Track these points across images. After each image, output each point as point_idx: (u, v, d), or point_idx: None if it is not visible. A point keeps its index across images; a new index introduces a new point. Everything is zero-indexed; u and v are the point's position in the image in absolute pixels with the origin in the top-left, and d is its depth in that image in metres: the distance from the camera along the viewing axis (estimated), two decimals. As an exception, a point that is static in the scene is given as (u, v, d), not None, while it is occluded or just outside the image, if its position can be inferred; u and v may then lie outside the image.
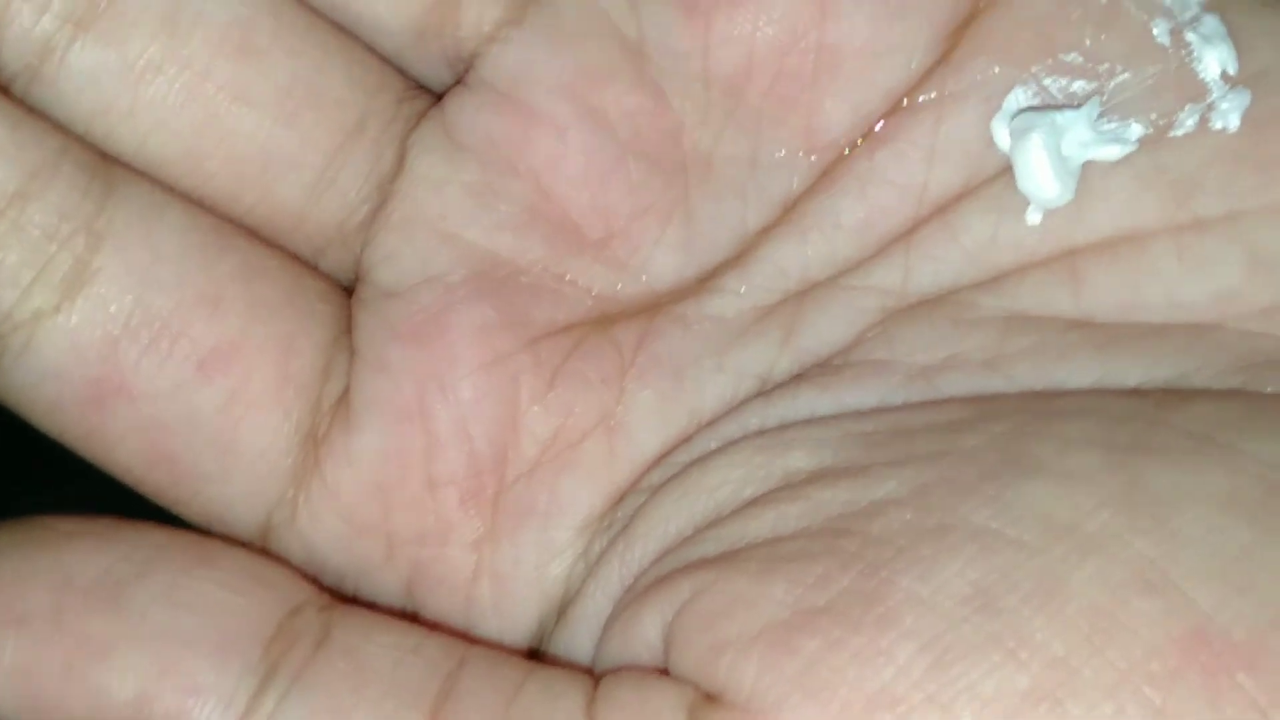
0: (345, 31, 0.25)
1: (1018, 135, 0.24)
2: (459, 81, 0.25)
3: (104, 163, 0.24)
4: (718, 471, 0.23)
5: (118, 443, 0.24)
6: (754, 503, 0.23)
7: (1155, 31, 0.24)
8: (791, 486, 0.23)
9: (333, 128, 0.25)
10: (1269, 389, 0.23)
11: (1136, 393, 0.23)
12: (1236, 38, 0.24)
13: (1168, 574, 0.20)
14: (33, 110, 0.24)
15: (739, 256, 0.25)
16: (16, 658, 0.21)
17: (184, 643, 0.21)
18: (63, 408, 0.24)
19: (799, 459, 0.23)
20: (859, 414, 0.23)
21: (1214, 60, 0.24)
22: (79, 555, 0.22)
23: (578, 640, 0.24)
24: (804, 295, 0.25)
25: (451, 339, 0.24)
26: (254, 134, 0.24)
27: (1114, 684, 0.20)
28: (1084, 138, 0.24)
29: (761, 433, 0.24)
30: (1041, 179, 0.24)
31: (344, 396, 0.25)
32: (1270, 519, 0.21)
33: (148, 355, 0.24)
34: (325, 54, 0.25)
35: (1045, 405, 0.23)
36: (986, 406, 0.23)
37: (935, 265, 0.24)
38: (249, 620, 0.21)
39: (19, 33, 0.24)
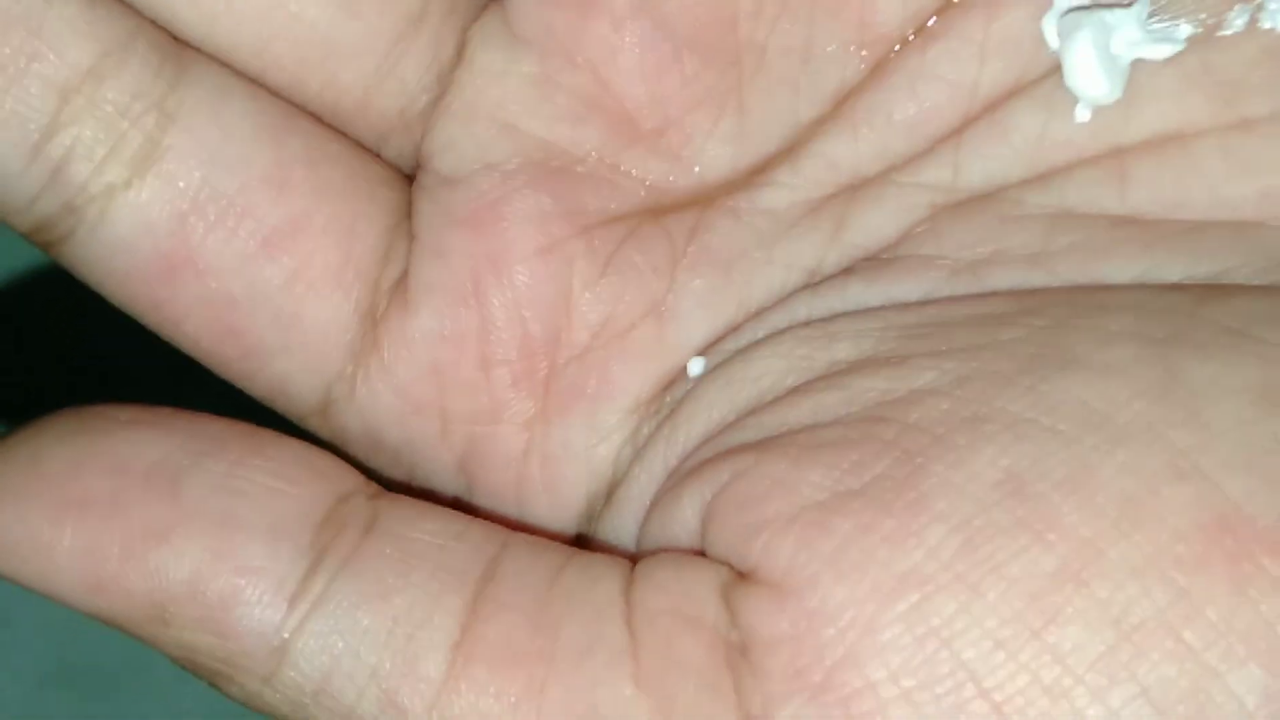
0: None
1: (1067, 33, 0.25)
2: None
3: (176, 45, 0.25)
4: (762, 361, 0.24)
5: (185, 316, 0.25)
6: (795, 391, 0.23)
7: None
8: (832, 375, 0.23)
9: (395, 16, 0.25)
10: None
11: (1177, 288, 0.23)
12: None
13: (1198, 463, 0.21)
14: None
15: (791, 149, 0.25)
16: (76, 541, 0.22)
17: (237, 527, 0.22)
18: (133, 280, 0.25)
19: (842, 349, 0.23)
20: (904, 306, 0.24)
21: None
22: (136, 442, 0.23)
23: (624, 522, 0.25)
24: (854, 190, 0.25)
25: (507, 225, 0.25)
26: (317, 21, 0.25)
27: (1140, 566, 0.20)
28: (1133, 36, 0.24)
29: (808, 323, 0.24)
30: (1089, 77, 0.24)
31: (403, 279, 0.25)
32: None
33: (214, 231, 0.25)
34: None
35: (1087, 299, 0.23)
36: (1029, 300, 0.23)
37: (984, 162, 0.25)
38: (300, 507, 0.22)
39: None
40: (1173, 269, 0.24)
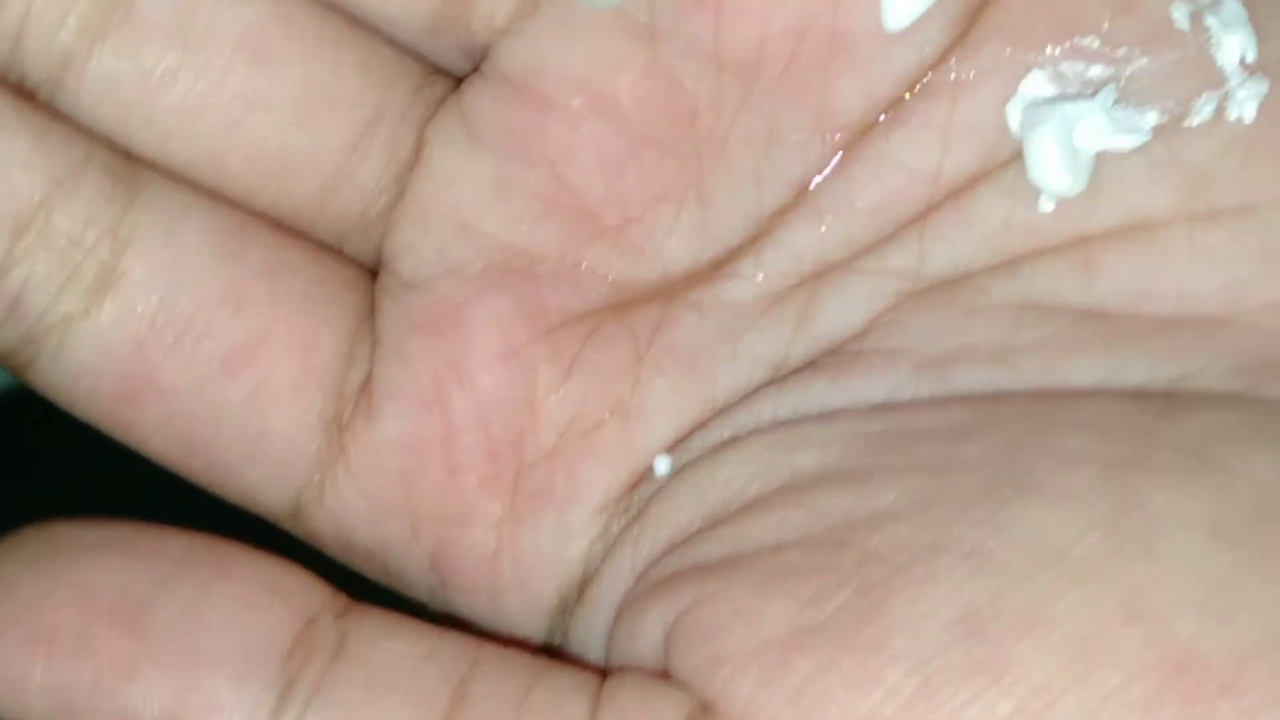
0: (360, 24, 0.25)
1: (1029, 128, 0.24)
2: (475, 70, 0.26)
3: (128, 165, 0.25)
4: (728, 466, 0.24)
5: (150, 434, 0.25)
6: (759, 503, 0.23)
7: (1175, 15, 0.24)
8: (796, 488, 0.23)
9: (349, 125, 0.25)
10: (1269, 394, 0.23)
11: (1139, 397, 0.23)
12: (1258, 22, 0.24)
13: (1150, 602, 0.21)
14: (58, 115, 0.25)
15: (754, 240, 0.25)
16: (47, 677, 0.22)
17: (205, 662, 0.22)
18: (97, 403, 0.25)
19: (806, 459, 0.23)
20: (869, 409, 0.24)
21: (1233, 46, 0.24)
22: (102, 570, 0.23)
23: (596, 619, 0.25)
24: (819, 279, 0.25)
25: (469, 330, 0.25)
26: (271, 136, 0.25)
27: (1094, 710, 0.21)
28: (1098, 127, 0.24)
29: (774, 425, 0.24)
30: (1053, 172, 0.24)
31: (367, 382, 0.25)
32: (1255, 546, 0.21)
33: (174, 353, 0.25)
34: (338, 52, 0.25)
35: (1048, 412, 0.23)
36: (991, 409, 0.23)
37: (949, 249, 0.25)
38: (267, 635, 0.23)
39: (39, 44, 0.24)
40: (1135, 371, 0.23)
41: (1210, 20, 0.24)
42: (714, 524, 0.24)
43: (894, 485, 0.23)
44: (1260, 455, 0.22)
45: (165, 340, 0.25)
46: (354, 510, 0.25)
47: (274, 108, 0.25)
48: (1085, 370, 0.24)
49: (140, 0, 0.24)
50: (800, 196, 0.25)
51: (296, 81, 0.25)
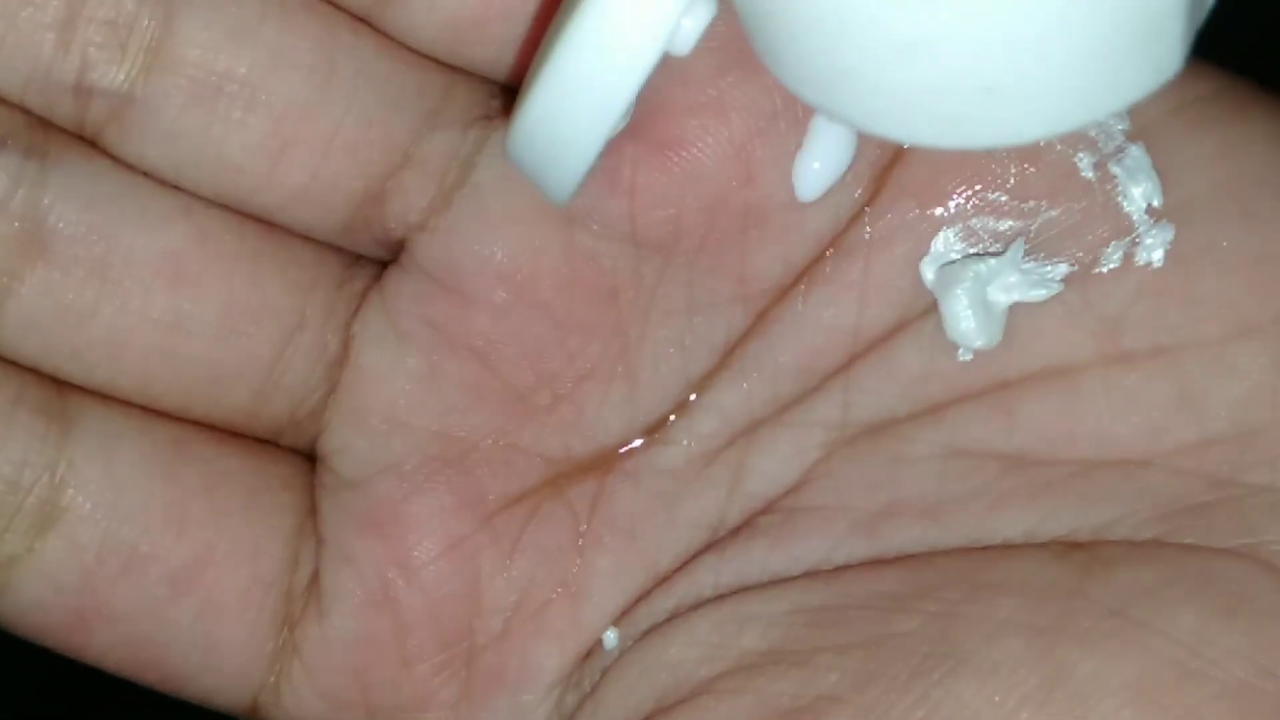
0: (277, 229, 0.26)
1: (943, 289, 0.25)
2: (396, 261, 0.26)
3: (59, 399, 0.25)
4: (676, 648, 0.25)
5: (104, 655, 0.25)
6: (709, 689, 0.24)
7: (1080, 165, 0.25)
8: (745, 670, 0.24)
9: (274, 335, 0.25)
10: (1188, 540, 0.23)
11: (1063, 553, 0.24)
12: (1161, 167, 0.24)
13: None
14: None
15: (683, 405, 0.26)
16: None
17: None
18: (49, 632, 0.25)
19: (751, 639, 0.24)
20: (808, 577, 0.24)
21: (1139, 194, 0.24)
22: None
23: None
24: (748, 437, 0.25)
25: (411, 528, 0.25)
26: (196, 357, 0.25)
27: None
28: (1010, 282, 0.25)
29: (717, 598, 0.25)
30: (967, 329, 0.25)
31: (314, 580, 0.26)
32: (1181, 709, 0.22)
33: (121, 581, 0.25)
34: (257, 265, 0.25)
35: (976, 572, 0.24)
36: (922, 574, 0.24)
37: (873, 399, 0.25)
38: None
39: None
40: (1060, 522, 0.24)
41: (1115, 169, 0.24)
42: (667, 710, 0.24)
43: (835, 666, 0.23)
44: (1181, 610, 0.23)
45: (111, 570, 0.25)
46: (310, 708, 0.26)
47: (197, 329, 0.25)
48: (1012, 524, 0.24)
49: (56, 237, 0.25)
50: (725, 359, 0.26)
51: (218, 301, 0.25)
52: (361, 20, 0.25)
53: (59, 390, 0.25)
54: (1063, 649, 0.22)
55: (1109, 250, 0.24)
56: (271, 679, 0.26)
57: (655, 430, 0.26)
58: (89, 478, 0.25)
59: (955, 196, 0.25)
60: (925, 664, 0.23)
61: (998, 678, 0.22)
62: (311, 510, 0.26)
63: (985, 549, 0.24)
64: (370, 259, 0.26)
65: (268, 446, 0.26)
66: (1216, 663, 0.22)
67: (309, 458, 0.26)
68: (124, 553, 0.25)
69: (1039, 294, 0.25)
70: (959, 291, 0.25)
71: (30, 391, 0.25)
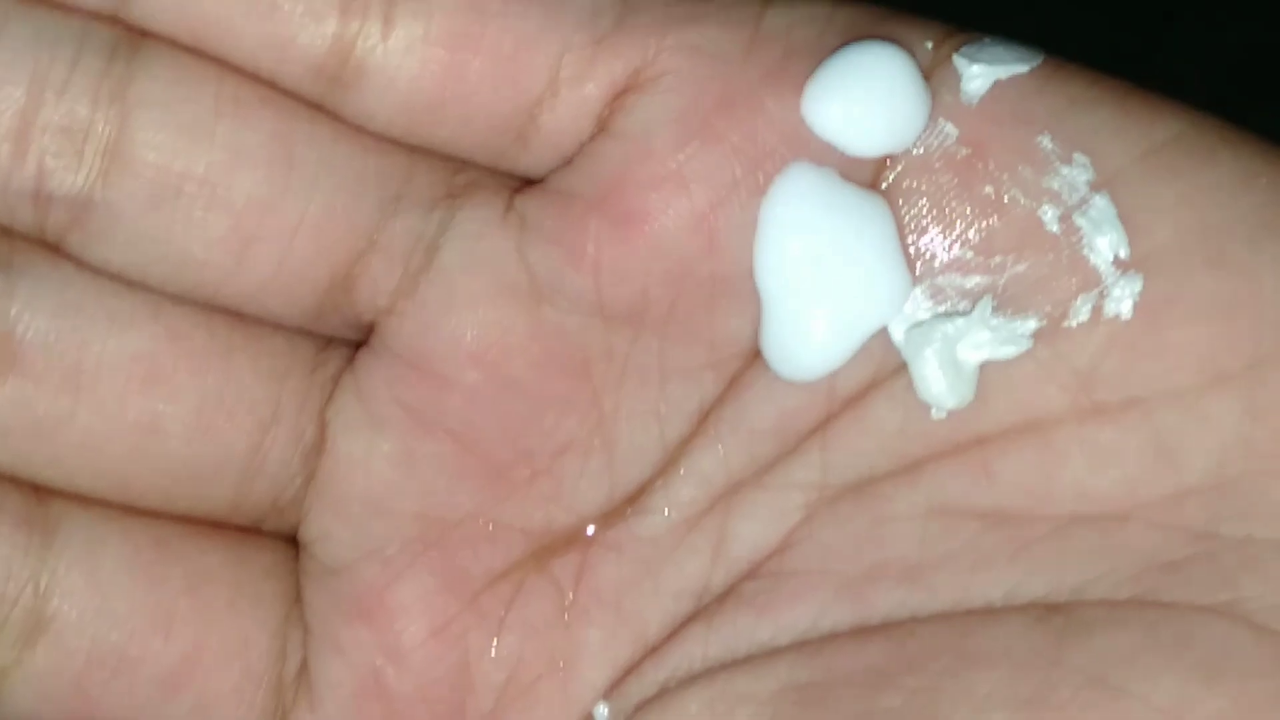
0: (248, 319, 0.26)
1: (912, 351, 0.25)
2: (366, 344, 0.26)
3: (40, 507, 0.25)
4: None
5: None
6: None
7: (1044, 218, 0.24)
8: None
9: (249, 428, 0.26)
10: (1167, 597, 0.23)
11: (1043, 616, 0.24)
12: (1127, 217, 0.24)
13: None
14: None
15: (662, 472, 0.26)
16: None
17: None
18: None
19: None
20: (796, 651, 0.25)
21: (1105, 245, 0.24)
22: None
23: None
24: (729, 501, 0.26)
25: (397, 614, 0.25)
26: (174, 455, 0.25)
27: None
28: (979, 340, 0.25)
29: (707, 673, 0.25)
30: (939, 391, 0.25)
31: (304, 670, 0.26)
32: None
33: (111, 686, 0.25)
34: (229, 359, 0.25)
35: (959, 644, 0.24)
36: (906, 643, 0.24)
37: (851, 458, 0.25)
38: None
39: None
40: (1040, 581, 0.24)
41: (1080, 220, 0.24)
42: None
43: None
44: (1162, 675, 0.23)
45: (101, 676, 0.25)
46: None
47: (174, 428, 0.25)
48: (993, 585, 0.24)
49: (27, 347, 0.25)
50: (701, 424, 0.26)
51: (193, 397, 0.25)
52: (318, 108, 0.25)
53: (39, 497, 0.25)
54: None
55: (1078, 303, 0.24)
56: None
57: (636, 499, 0.26)
58: (74, 586, 0.25)
59: (919, 257, 0.25)
60: None
61: None
62: (297, 598, 0.26)
63: (967, 614, 0.24)
64: (342, 340, 0.26)
65: (250, 536, 0.26)
66: None
67: (293, 542, 0.27)
68: (113, 657, 0.25)
69: (1009, 351, 0.24)
70: (928, 353, 0.25)
71: (10, 501, 0.25)
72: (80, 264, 0.25)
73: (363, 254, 0.25)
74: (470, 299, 0.25)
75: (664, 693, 0.25)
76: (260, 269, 0.25)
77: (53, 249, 0.25)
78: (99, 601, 0.25)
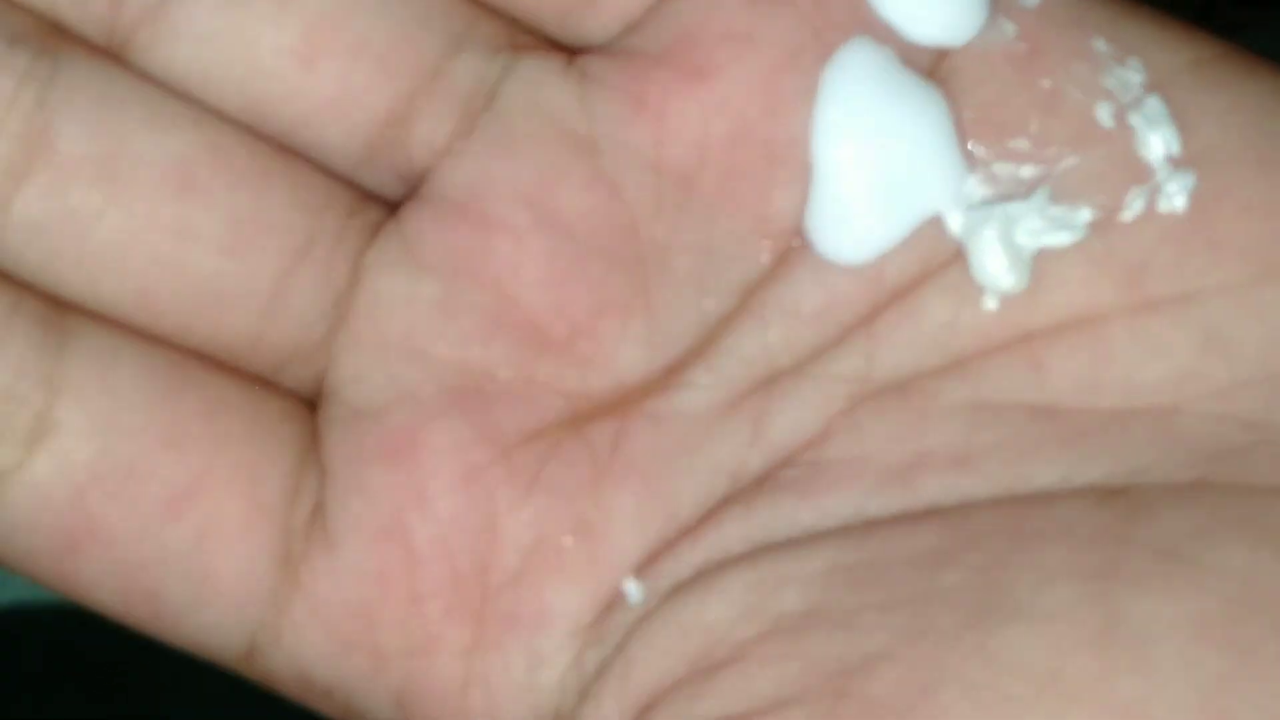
0: (290, 152, 0.25)
1: (971, 230, 0.25)
2: (413, 195, 0.25)
3: (57, 312, 0.24)
4: (710, 608, 0.24)
5: (95, 584, 0.24)
6: (750, 652, 0.23)
7: (1099, 115, 0.25)
8: (786, 633, 0.23)
9: (279, 254, 0.25)
10: (1225, 479, 0.23)
11: (1103, 499, 0.23)
12: (1179, 118, 0.25)
13: (1150, 712, 0.21)
14: None
15: (703, 347, 0.25)
16: None
17: None
18: (37, 555, 0.24)
19: (790, 599, 0.23)
20: (842, 535, 0.24)
21: (1158, 142, 0.25)
22: None
23: None
24: (770, 385, 0.25)
25: (426, 457, 0.24)
26: (200, 269, 0.25)
27: None
28: (1035, 226, 0.25)
29: (748, 555, 0.24)
30: (997, 271, 0.25)
31: (317, 515, 0.25)
32: (1240, 643, 0.22)
33: (115, 501, 0.24)
34: (267, 181, 0.25)
35: (1016, 522, 0.23)
36: (960, 527, 0.24)
37: (898, 351, 0.25)
38: None
39: None
40: (1095, 468, 0.24)
41: (1133, 118, 0.25)
42: (705, 673, 0.23)
43: (880, 625, 0.23)
44: (1231, 546, 0.22)
45: (105, 488, 0.24)
46: (313, 647, 0.25)
47: (202, 240, 0.24)
48: (1045, 471, 0.24)
49: (63, 138, 0.24)
50: (745, 303, 0.25)
51: (224, 213, 0.24)
52: None
53: (58, 307, 0.24)
54: (1116, 592, 0.22)
55: (1130, 197, 0.25)
56: (272, 615, 0.24)
57: (676, 372, 0.25)
58: (85, 393, 0.24)
59: (977, 142, 0.25)
60: (976, 615, 0.22)
61: (1053, 625, 0.22)
62: (313, 446, 0.25)
63: (1023, 498, 0.24)
64: (382, 199, 0.26)
65: (268, 383, 0.25)
66: (1275, 595, 0.22)
67: (308, 403, 0.26)
68: (119, 471, 0.24)
69: (1064, 238, 0.25)
70: (987, 233, 0.25)
71: (29, 302, 0.24)
72: (145, 69, 0.24)
73: (424, 88, 0.25)
74: (528, 140, 0.25)
75: (702, 574, 0.24)
76: (324, 86, 0.24)
77: (118, 52, 0.24)
78: (109, 411, 0.24)
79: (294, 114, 0.25)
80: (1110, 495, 0.23)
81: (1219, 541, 0.22)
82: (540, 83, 0.25)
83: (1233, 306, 0.24)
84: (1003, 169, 0.25)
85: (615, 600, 0.25)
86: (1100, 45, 0.25)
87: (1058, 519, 0.23)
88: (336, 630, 0.24)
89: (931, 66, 0.25)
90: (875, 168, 0.25)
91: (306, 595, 0.24)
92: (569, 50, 0.26)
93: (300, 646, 0.25)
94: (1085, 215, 0.25)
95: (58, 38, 0.24)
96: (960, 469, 0.24)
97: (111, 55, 0.25)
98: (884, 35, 0.25)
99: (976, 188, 0.25)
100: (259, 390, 0.25)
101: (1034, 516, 0.23)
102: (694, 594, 0.24)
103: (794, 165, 0.25)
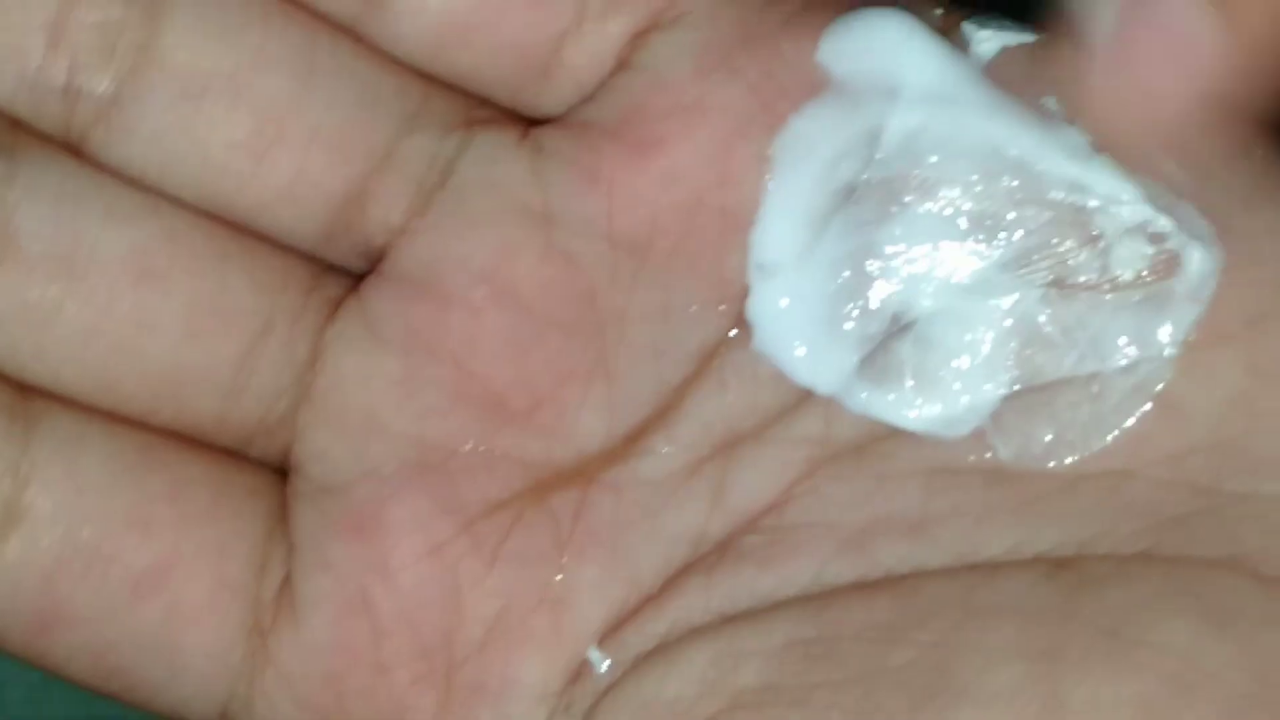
0: (248, 233, 0.25)
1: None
2: (374, 271, 0.26)
3: (22, 399, 0.25)
4: (673, 683, 0.24)
5: (67, 662, 0.25)
6: None
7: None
8: (745, 709, 0.23)
9: (240, 336, 0.25)
10: (1171, 551, 0.24)
11: (1052, 571, 0.24)
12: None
13: None
14: None
15: (663, 412, 0.26)
16: None
17: None
18: (9, 635, 0.25)
19: (748, 676, 0.24)
20: (800, 605, 0.24)
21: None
22: None
23: None
24: (730, 449, 0.25)
25: (389, 531, 0.25)
26: (161, 355, 0.25)
27: None
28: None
29: (709, 626, 0.24)
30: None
31: (286, 588, 0.25)
32: None
33: (82, 584, 0.24)
34: (225, 265, 0.25)
35: (967, 595, 0.24)
36: (912, 601, 0.24)
37: (856, 414, 0.25)
38: None
39: None
40: (1043, 539, 0.24)
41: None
42: None
43: (833, 703, 0.23)
44: (1173, 623, 0.23)
45: (73, 571, 0.24)
46: (285, 716, 0.25)
47: (162, 328, 0.25)
48: (997, 540, 0.24)
49: (23, 234, 0.24)
50: (703, 367, 0.25)
51: (183, 299, 0.25)
52: (343, 28, 0.25)
53: (23, 393, 0.25)
54: (1060, 673, 0.22)
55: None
56: (243, 688, 0.25)
57: (636, 439, 0.26)
58: (53, 478, 0.24)
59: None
60: (924, 697, 0.23)
61: (997, 707, 0.22)
62: (281, 518, 0.26)
63: (973, 568, 0.24)
64: (343, 271, 0.26)
65: (235, 457, 0.26)
66: (1214, 675, 0.22)
67: (278, 472, 0.26)
68: (86, 554, 0.24)
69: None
70: None
71: None
72: (98, 162, 0.25)
73: (378, 169, 0.25)
74: (483, 216, 0.25)
75: (665, 645, 0.25)
76: (277, 175, 0.25)
77: (73, 148, 0.25)
78: (76, 497, 0.24)
79: (250, 202, 0.25)
80: (1058, 567, 0.24)
81: (1161, 618, 0.23)
82: (495, 159, 0.25)
83: (1185, 370, 0.24)
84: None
85: (582, 669, 0.25)
86: (1051, 104, 0.25)
87: (1007, 592, 0.24)
88: (307, 700, 0.25)
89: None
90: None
91: (276, 666, 0.25)
92: (525, 120, 0.26)
93: (272, 716, 0.25)
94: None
95: (15, 135, 0.25)
96: (915, 537, 0.24)
97: (69, 148, 0.25)
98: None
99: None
100: (227, 466, 0.26)
101: (984, 589, 0.24)
102: (657, 667, 0.24)
103: (747, 231, 0.25)
